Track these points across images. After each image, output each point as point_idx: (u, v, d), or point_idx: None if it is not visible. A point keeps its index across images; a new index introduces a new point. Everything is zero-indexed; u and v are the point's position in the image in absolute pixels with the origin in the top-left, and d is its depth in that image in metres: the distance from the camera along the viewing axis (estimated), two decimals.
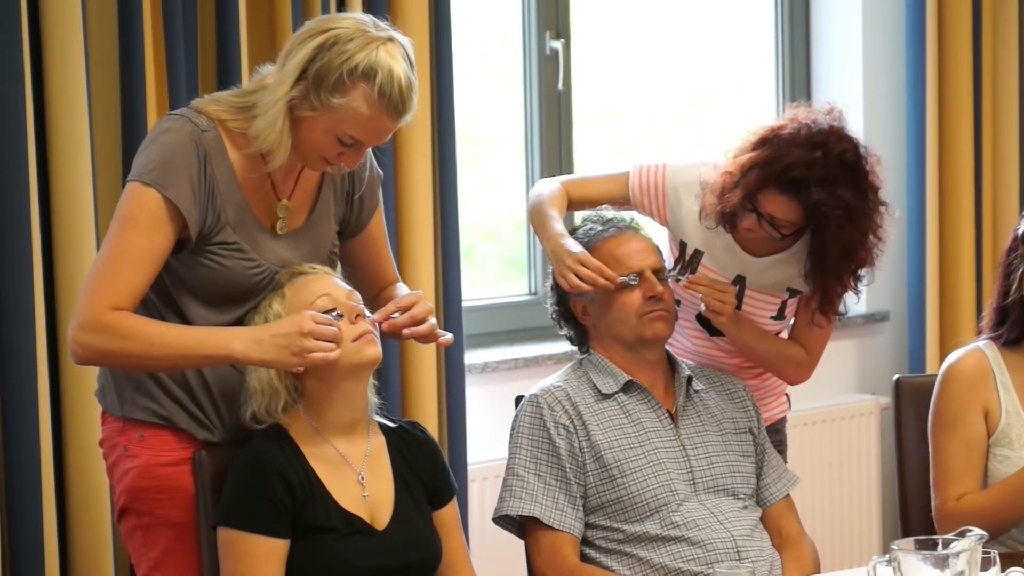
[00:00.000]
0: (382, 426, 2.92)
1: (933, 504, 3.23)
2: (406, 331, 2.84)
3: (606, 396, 3.16)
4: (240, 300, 2.83)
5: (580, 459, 3.10)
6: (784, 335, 3.40)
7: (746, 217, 3.18)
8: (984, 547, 2.50)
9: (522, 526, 3.13)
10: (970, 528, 2.52)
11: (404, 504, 2.85)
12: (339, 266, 3.01)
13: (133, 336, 2.69)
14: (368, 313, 2.81)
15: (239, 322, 2.81)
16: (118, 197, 2.78)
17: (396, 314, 2.83)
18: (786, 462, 3.44)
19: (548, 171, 4.41)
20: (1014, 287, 3.22)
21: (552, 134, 4.50)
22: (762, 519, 3.19)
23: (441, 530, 2.92)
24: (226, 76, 3.53)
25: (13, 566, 3.31)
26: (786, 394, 3.56)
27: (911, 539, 2.53)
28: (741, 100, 5.11)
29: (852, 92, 4.94)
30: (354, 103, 2.71)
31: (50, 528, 3.34)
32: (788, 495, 3.25)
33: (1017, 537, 3.20)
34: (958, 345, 3.38)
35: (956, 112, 4.93)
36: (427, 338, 2.87)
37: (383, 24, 2.76)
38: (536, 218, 3.28)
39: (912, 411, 3.44)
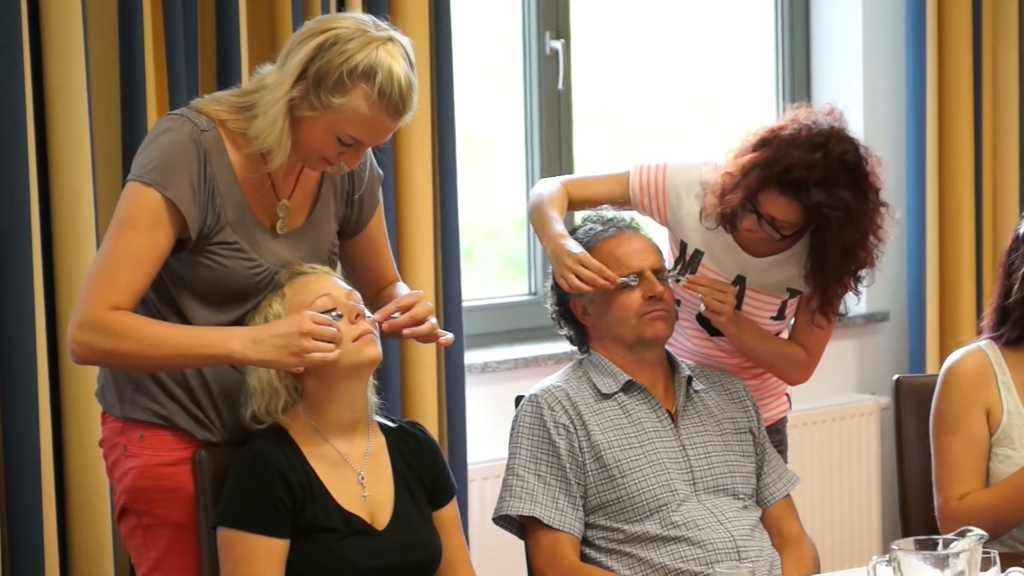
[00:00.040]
0: (382, 426, 2.92)
1: (936, 504, 3.23)
2: (406, 331, 2.84)
3: (606, 396, 3.16)
4: (240, 300, 2.83)
5: (580, 459, 3.10)
6: (784, 335, 3.40)
7: (746, 218, 3.18)
8: (984, 547, 2.50)
9: (522, 526, 3.13)
10: (970, 528, 2.52)
11: (404, 504, 2.85)
12: (339, 266, 3.01)
13: (132, 336, 2.69)
14: (368, 313, 2.81)
15: (239, 322, 2.81)
16: (118, 197, 2.78)
17: (396, 314, 2.83)
18: (786, 462, 3.44)
19: (548, 171, 4.41)
20: (1015, 287, 3.22)
21: (552, 134, 4.50)
22: (762, 519, 3.19)
23: (441, 530, 2.92)
24: (226, 76, 3.53)
25: (13, 566, 3.31)
26: (786, 394, 3.56)
27: (911, 539, 2.53)
28: (741, 100, 5.11)
29: (852, 92, 4.94)
30: (354, 103, 2.71)
31: (50, 528, 3.34)
32: (788, 495, 3.25)
33: (1017, 537, 3.21)
34: (958, 345, 3.38)
35: (956, 112, 4.93)
36: (427, 338, 2.87)
37: (383, 24, 2.76)
38: (536, 218, 3.28)
39: (912, 411, 3.44)
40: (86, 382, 3.31)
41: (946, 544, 2.48)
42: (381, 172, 3.05)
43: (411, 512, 2.86)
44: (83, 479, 3.40)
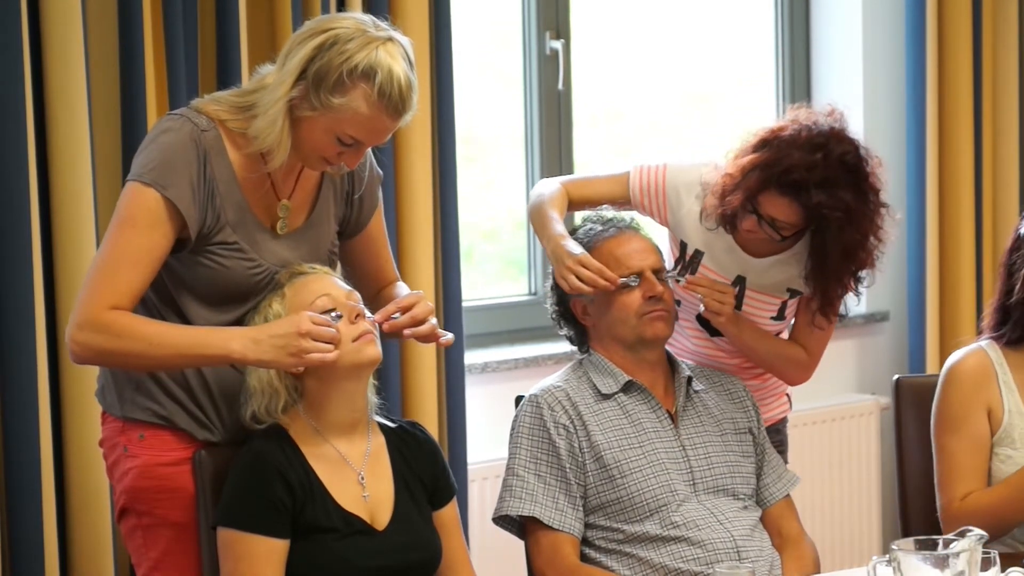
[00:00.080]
0: (382, 426, 2.92)
1: (938, 504, 3.23)
2: (407, 331, 2.84)
3: (606, 396, 3.16)
4: (240, 300, 2.83)
5: (580, 459, 3.10)
6: (784, 335, 3.40)
7: (746, 218, 3.18)
8: (984, 547, 2.50)
9: (522, 526, 3.13)
10: (970, 528, 2.52)
11: (404, 504, 2.85)
12: (339, 266, 3.01)
13: (131, 335, 2.69)
14: (368, 313, 2.81)
15: (239, 322, 2.81)
16: (118, 197, 2.78)
17: (397, 314, 2.83)
18: (787, 462, 3.44)
19: (548, 171, 4.41)
20: (1017, 286, 3.22)
21: (552, 134, 4.50)
22: (762, 519, 3.19)
23: (441, 530, 2.92)
24: (226, 76, 3.53)
25: (13, 566, 3.31)
26: (787, 394, 3.56)
27: (911, 539, 2.53)
28: (741, 100, 5.11)
29: (852, 92, 4.94)
30: (354, 103, 2.71)
31: (50, 528, 3.34)
32: (788, 495, 3.25)
33: (1018, 537, 3.20)
34: (958, 345, 3.38)
35: (956, 112, 4.93)
36: (428, 338, 2.87)
37: (383, 24, 2.76)
38: (536, 219, 3.28)
39: (912, 411, 3.44)
40: (86, 382, 3.31)
41: (946, 544, 2.48)
42: (381, 172, 3.05)
43: (411, 512, 2.86)
44: (83, 479, 3.40)
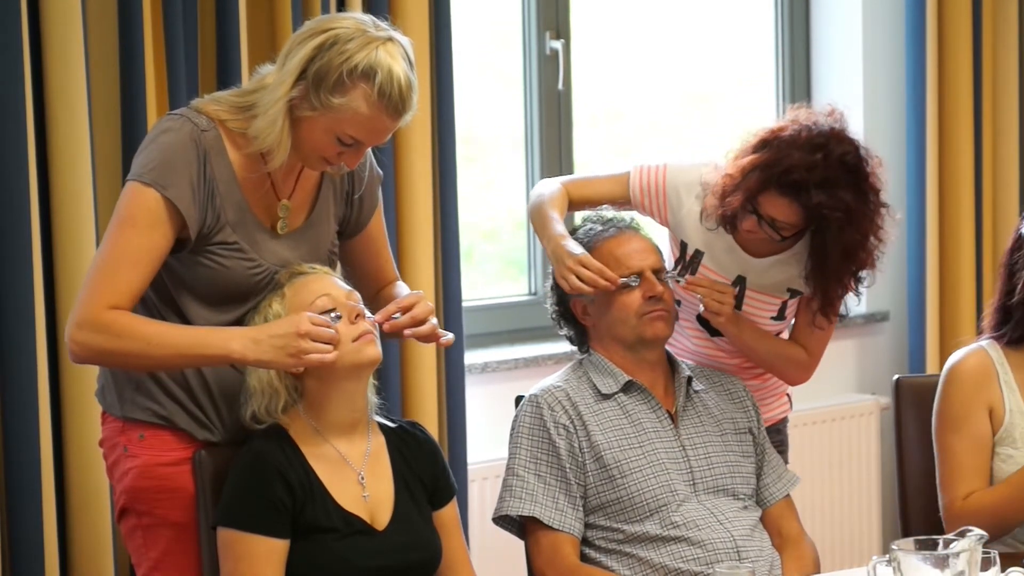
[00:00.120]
0: (382, 426, 2.92)
1: (941, 504, 3.23)
2: (407, 332, 2.84)
3: (606, 396, 3.16)
4: (240, 300, 2.83)
5: (580, 459, 3.10)
6: (785, 335, 3.40)
7: (746, 219, 3.18)
8: (984, 547, 2.50)
9: (522, 526, 3.13)
10: (970, 528, 2.52)
11: (404, 504, 2.85)
12: (339, 266, 3.01)
13: (130, 335, 2.69)
14: (368, 313, 2.81)
15: (239, 322, 2.81)
16: (118, 197, 2.78)
17: (397, 314, 2.83)
18: (787, 462, 3.44)
19: (548, 171, 4.41)
20: (1020, 286, 3.22)
21: (552, 134, 4.50)
22: (762, 519, 3.19)
23: (441, 530, 2.92)
24: (226, 76, 3.53)
25: (13, 566, 3.31)
26: (787, 394, 3.56)
27: (911, 539, 2.53)
28: (741, 100, 5.11)
29: (852, 92, 4.94)
30: (354, 103, 2.71)
31: (50, 528, 3.34)
32: (788, 495, 3.25)
33: (1018, 536, 3.21)
34: (958, 345, 3.38)
35: (956, 112, 4.93)
36: (428, 338, 2.87)
37: (383, 24, 2.76)
38: (537, 219, 3.28)
39: (912, 411, 3.44)
40: (86, 382, 3.31)
41: (946, 544, 2.48)
42: (381, 172, 3.05)
43: (411, 512, 2.86)
44: (83, 479, 3.40)
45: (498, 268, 4.70)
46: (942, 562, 2.43)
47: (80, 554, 3.42)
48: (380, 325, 2.82)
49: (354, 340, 2.76)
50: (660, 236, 3.37)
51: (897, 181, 4.83)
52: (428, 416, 3.90)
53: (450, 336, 2.89)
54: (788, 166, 3.10)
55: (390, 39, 2.74)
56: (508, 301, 4.52)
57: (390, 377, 3.82)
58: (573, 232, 3.24)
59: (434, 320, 2.86)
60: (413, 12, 3.82)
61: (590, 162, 4.62)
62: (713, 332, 3.36)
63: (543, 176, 4.29)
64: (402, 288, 3.06)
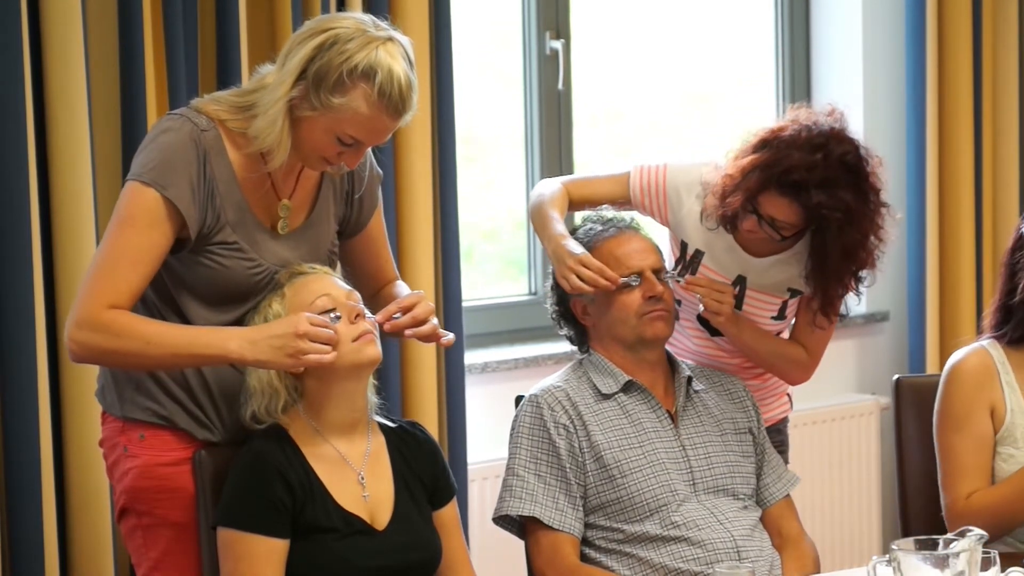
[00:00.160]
0: (382, 426, 2.92)
1: (943, 504, 3.23)
2: (408, 332, 2.84)
3: (606, 396, 3.16)
4: (240, 300, 2.83)
5: (580, 459, 3.10)
6: (785, 335, 3.40)
7: (747, 219, 3.18)
8: (984, 547, 2.50)
9: (522, 526, 3.13)
10: (970, 528, 2.52)
11: (404, 504, 2.85)
12: (339, 266, 3.01)
13: (129, 335, 2.69)
14: (368, 313, 2.81)
15: (239, 322, 2.81)
16: (118, 197, 2.78)
17: (398, 314, 2.83)
18: (787, 462, 3.44)
19: (548, 171, 4.41)
20: (1020, 286, 3.22)
21: (552, 134, 4.50)
22: (762, 519, 3.19)
23: (441, 530, 2.91)
24: (226, 76, 3.53)
25: (13, 566, 3.31)
26: (787, 394, 3.56)
27: (911, 539, 2.53)
28: (741, 100, 5.11)
29: (852, 92, 4.94)
30: (354, 103, 2.71)
31: (50, 528, 3.34)
32: (788, 495, 3.25)
33: (1018, 536, 3.21)
34: (958, 345, 3.38)
35: (956, 112, 4.93)
36: (429, 338, 2.87)
37: (383, 24, 2.76)
38: (537, 219, 3.28)
39: (912, 411, 3.44)
40: (86, 382, 3.31)
41: (946, 544, 2.48)
42: (381, 172, 3.05)
43: (411, 512, 2.86)
44: (83, 479, 3.40)
45: (498, 268, 4.70)
46: (942, 562, 2.43)
47: (80, 554, 3.42)
48: (381, 325, 2.82)
49: (354, 340, 2.76)
50: (660, 236, 3.37)
51: (897, 181, 4.83)
52: (428, 416, 3.90)
53: (451, 336, 2.89)
54: (788, 166, 3.10)
55: (390, 39, 2.74)
56: (508, 301, 4.52)
57: (390, 377, 3.82)
58: (573, 232, 3.24)
59: (435, 320, 2.86)
60: (413, 12, 3.82)
61: (590, 162, 4.62)
62: (713, 332, 3.36)
63: (543, 176, 4.29)
64: (402, 288, 3.06)
